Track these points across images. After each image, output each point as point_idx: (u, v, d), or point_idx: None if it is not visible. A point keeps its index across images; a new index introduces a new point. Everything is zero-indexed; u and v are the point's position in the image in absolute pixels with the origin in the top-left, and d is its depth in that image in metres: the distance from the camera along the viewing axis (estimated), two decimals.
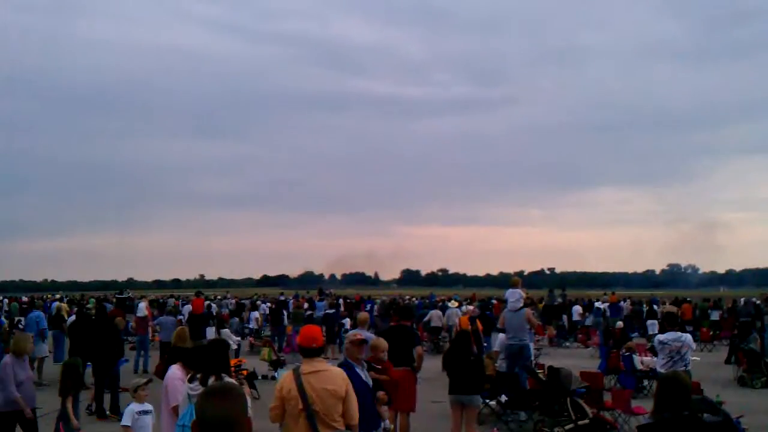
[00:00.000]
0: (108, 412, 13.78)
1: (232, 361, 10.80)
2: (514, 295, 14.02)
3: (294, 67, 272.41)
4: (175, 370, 7.12)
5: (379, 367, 9.30)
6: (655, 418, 4.70)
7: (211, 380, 5.81)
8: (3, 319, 24.46)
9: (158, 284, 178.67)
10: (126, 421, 7.98)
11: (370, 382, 7.62)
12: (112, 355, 14.38)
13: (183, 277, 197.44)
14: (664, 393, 4.63)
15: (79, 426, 9.65)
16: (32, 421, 9.24)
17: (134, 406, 8.07)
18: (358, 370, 7.41)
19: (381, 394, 8.45)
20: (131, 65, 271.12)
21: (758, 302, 37.15)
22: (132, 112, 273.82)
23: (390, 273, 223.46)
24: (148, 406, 8.09)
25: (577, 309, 33.59)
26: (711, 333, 28.73)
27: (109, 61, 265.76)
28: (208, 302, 35.89)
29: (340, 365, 7.75)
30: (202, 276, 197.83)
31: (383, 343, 9.44)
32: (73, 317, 21.87)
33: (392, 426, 10.68)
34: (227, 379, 5.87)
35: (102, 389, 13.85)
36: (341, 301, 41.63)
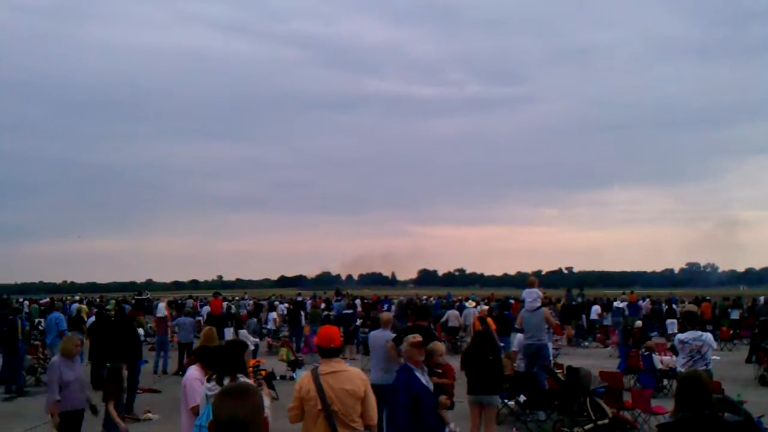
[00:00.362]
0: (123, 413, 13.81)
1: (251, 362, 10.82)
2: (531, 295, 13.97)
3: (306, 68, 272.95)
4: (194, 371, 7.13)
5: (440, 371, 9.19)
6: (676, 417, 4.66)
7: (227, 381, 5.82)
8: (25, 321, 24.64)
9: (177, 285, 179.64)
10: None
11: (431, 386, 7.51)
12: (131, 356, 14.45)
13: (201, 278, 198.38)
14: (685, 392, 4.61)
15: (126, 428, 9.60)
16: (77, 423, 9.20)
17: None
18: (418, 374, 7.37)
19: (443, 398, 8.36)
20: (138, 67, 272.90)
21: None
22: (145, 115, 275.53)
23: (407, 273, 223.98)
24: None
25: (596, 309, 33.43)
26: (731, 332, 28.51)
27: (114, 63, 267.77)
28: (226, 303, 36.05)
29: (400, 369, 7.73)
30: (220, 277, 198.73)
31: (441, 346, 9.32)
32: (93, 318, 22.02)
33: (458, 430, 10.69)
34: (243, 379, 5.87)
35: (129, 391, 13.89)
36: (358, 301, 41.66)
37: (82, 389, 9.24)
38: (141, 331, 16.66)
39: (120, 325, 15.39)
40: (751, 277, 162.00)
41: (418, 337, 7.89)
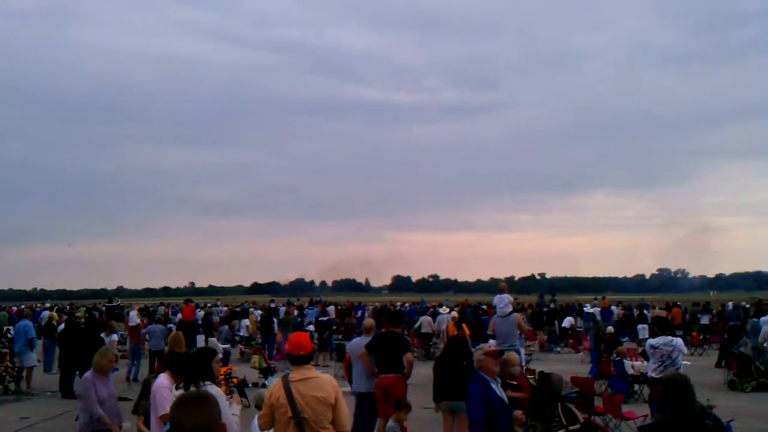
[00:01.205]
0: None
1: (222, 369, 10.75)
2: (503, 301, 14.03)
3: (287, 73, 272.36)
4: (163, 379, 7.08)
5: (514, 383, 8.60)
6: (657, 418, 4.70)
7: (192, 388, 5.78)
8: None
9: (148, 292, 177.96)
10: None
11: (506, 399, 7.12)
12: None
13: (173, 285, 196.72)
14: (668, 394, 4.61)
15: None
16: None
17: None
18: (493, 386, 6.99)
19: (518, 413, 7.83)
20: (124, 72, 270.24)
21: (748, 306, 37.32)
22: (123, 119, 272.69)
23: (381, 279, 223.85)
24: None
25: (569, 320, 33.52)
26: (701, 337, 28.82)
27: (102, 68, 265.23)
28: (204, 310, 35.82)
29: (472, 380, 7.25)
30: (192, 284, 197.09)
31: (514, 356, 8.83)
32: (63, 326, 21.78)
33: None
34: (209, 386, 5.84)
35: None
36: (332, 308, 41.55)
37: (116, 407, 8.74)
38: (115, 336, 16.47)
39: (89, 333, 15.24)
40: (721, 282, 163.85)
41: (493, 347, 7.53)
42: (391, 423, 9.24)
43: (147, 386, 9.86)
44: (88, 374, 8.67)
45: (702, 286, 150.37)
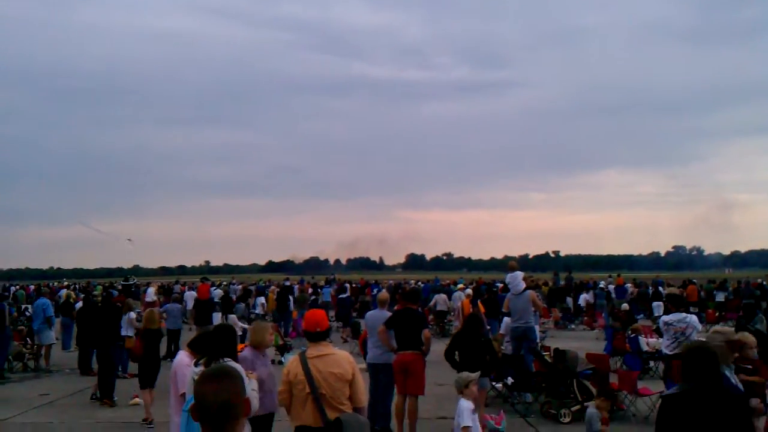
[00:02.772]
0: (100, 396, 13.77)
1: (239, 347, 10.85)
2: (516, 278, 14.01)
3: (293, 52, 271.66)
4: (183, 357, 7.14)
5: (749, 366, 7.95)
6: (681, 387, 4.65)
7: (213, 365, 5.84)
8: (12, 307, 24.53)
9: (164, 271, 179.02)
10: (466, 420, 7.48)
11: (741, 387, 6.57)
12: (116, 341, 14.47)
13: (188, 264, 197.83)
14: (691, 363, 4.58)
15: None
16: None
17: (467, 404, 7.65)
18: (727, 373, 6.40)
19: (756, 402, 7.26)
20: (130, 52, 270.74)
21: (764, 283, 37.15)
22: (133, 100, 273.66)
23: (395, 258, 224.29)
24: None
25: (585, 297, 33.50)
26: (717, 314, 28.74)
27: (107, 48, 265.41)
28: (222, 288, 35.99)
29: None
30: (207, 262, 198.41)
31: (751, 338, 8.49)
32: (80, 304, 21.96)
33: None
34: (228, 362, 5.89)
35: (106, 375, 13.87)
36: (347, 285, 41.69)
37: (274, 384, 7.64)
38: (132, 314, 16.59)
39: (106, 311, 15.36)
40: (736, 260, 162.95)
41: (733, 333, 7.22)
42: (592, 410, 9.17)
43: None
44: (246, 351, 7.67)
45: (717, 263, 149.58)
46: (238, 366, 5.90)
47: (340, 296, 30.11)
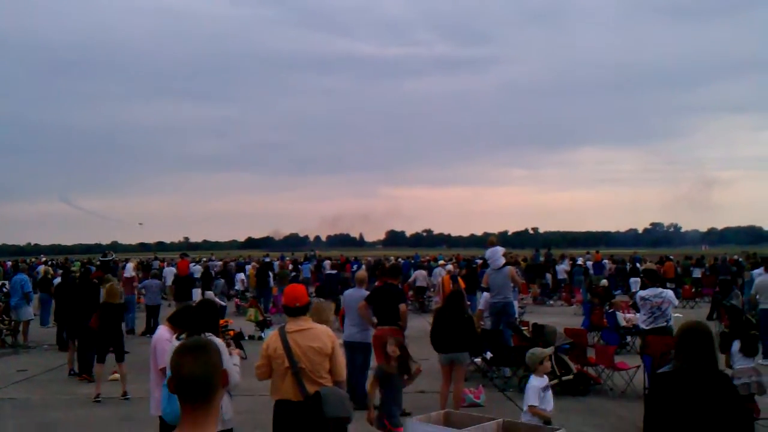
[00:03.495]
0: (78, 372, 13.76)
1: (219, 322, 10.83)
2: (495, 254, 14.05)
3: (276, 28, 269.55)
4: (163, 331, 7.11)
5: None
6: (674, 366, 4.67)
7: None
8: None
9: (143, 247, 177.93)
10: (532, 399, 7.25)
11: None
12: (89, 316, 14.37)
13: (167, 240, 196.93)
14: (684, 343, 4.59)
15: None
16: None
17: (537, 382, 7.36)
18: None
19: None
20: (114, 26, 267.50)
21: (740, 260, 37.59)
22: (113, 74, 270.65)
23: (375, 234, 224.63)
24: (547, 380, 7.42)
25: (563, 267, 33.82)
26: (693, 290, 29.07)
27: (91, 22, 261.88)
28: (201, 264, 35.91)
29: None
30: (186, 239, 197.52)
31: None
32: (58, 279, 21.83)
33: None
34: (210, 338, 5.89)
35: (84, 350, 13.84)
36: (328, 262, 41.71)
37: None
38: None
39: (84, 287, 15.26)
40: (713, 237, 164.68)
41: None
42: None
43: None
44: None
45: (694, 240, 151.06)
46: (217, 340, 5.91)
47: (328, 272, 30.12)
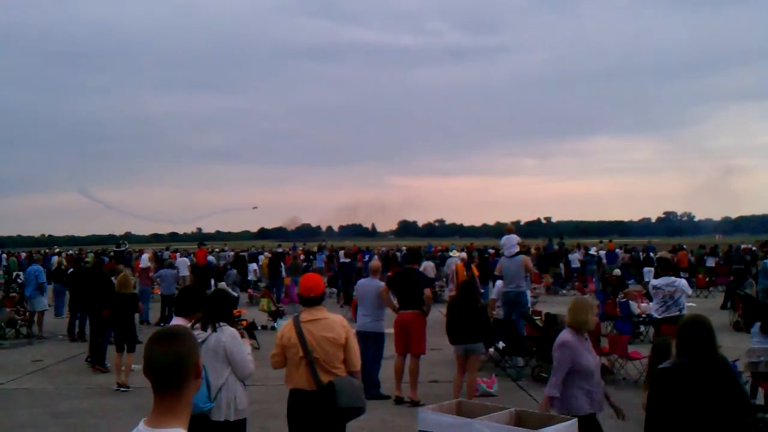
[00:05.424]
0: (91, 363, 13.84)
1: (233, 312, 10.86)
2: (510, 241, 13.99)
3: (285, 16, 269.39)
4: (178, 322, 7.12)
5: None
6: (676, 361, 4.63)
7: (209, 329, 5.85)
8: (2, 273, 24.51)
9: (156, 238, 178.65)
10: None
11: None
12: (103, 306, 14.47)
13: (180, 231, 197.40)
14: (686, 337, 4.56)
15: None
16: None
17: None
18: None
19: None
20: (123, 17, 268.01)
21: (754, 249, 37.36)
22: (127, 66, 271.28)
23: (387, 224, 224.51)
24: None
25: (576, 256, 33.72)
26: (707, 279, 28.92)
27: (100, 13, 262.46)
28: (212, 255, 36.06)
29: None
30: (199, 229, 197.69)
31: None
32: (72, 270, 21.96)
33: None
34: (223, 327, 5.91)
35: (97, 341, 13.93)
36: (340, 252, 41.74)
37: (600, 384, 6.53)
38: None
39: (96, 277, 15.34)
40: (727, 226, 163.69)
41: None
42: None
43: None
44: (567, 335, 6.29)
45: (708, 229, 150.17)
46: (231, 329, 5.92)
47: (342, 260, 30.12)
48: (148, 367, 2.53)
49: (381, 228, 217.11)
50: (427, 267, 27.22)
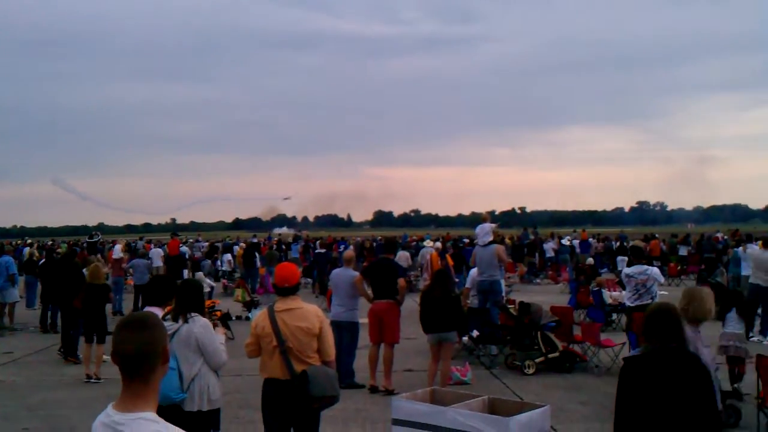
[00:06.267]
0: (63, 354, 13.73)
1: (206, 303, 10.82)
2: (484, 230, 14.06)
3: (261, 5, 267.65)
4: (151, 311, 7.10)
5: None
6: (643, 349, 4.67)
7: (181, 320, 5.83)
8: None
9: (129, 228, 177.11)
10: None
11: None
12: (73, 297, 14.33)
13: (154, 221, 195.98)
14: (653, 325, 4.59)
15: None
16: None
17: None
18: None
19: None
20: (93, 5, 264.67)
21: (725, 238, 37.84)
22: (99, 54, 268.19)
23: (362, 214, 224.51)
24: None
25: (550, 245, 33.95)
26: (679, 268, 29.24)
27: (70, 1, 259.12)
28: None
29: None
30: (173, 220, 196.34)
31: None
32: (43, 261, 21.77)
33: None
34: (195, 317, 5.88)
35: (69, 332, 13.81)
36: (316, 243, 41.69)
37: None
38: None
39: (67, 267, 15.19)
40: (699, 215, 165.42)
41: None
42: None
43: None
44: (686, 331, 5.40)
45: (681, 218, 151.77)
46: (203, 320, 5.90)
47: (317, 251, 30.09)
48: (116, 353, 2.55)
49: (357, 218, 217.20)
50: (401, 257, 27.31)
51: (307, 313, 5.95)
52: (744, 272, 18.07)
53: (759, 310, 14.79)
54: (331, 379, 5.85)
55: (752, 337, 13.37)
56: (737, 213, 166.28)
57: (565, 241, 34.69)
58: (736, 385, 9.44)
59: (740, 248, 19.43)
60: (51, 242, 51.78)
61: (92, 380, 11.65)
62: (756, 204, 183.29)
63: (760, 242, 16.22)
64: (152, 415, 2.52)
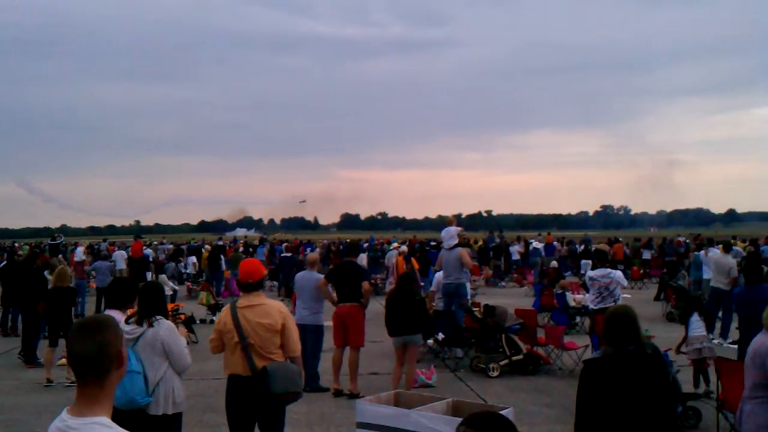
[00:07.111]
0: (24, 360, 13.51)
1: (170, 306, 10.73)
2: (449, 233, 14.12)
3: (237, 6, 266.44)
4: (113, 315, 7.02)
5: None
6: (603, 351, 4.73)
7: (145, 324, 5.78)
8: None
9: (93, 230, 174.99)
10: None
11: None
12: (39, 301, 14.14)
13: (118, 224, 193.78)
14: (612, 328, 4.65)
15: None
16: None
17: None
18: None
19: None
20: (68, 4, 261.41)
21: (687, 241, 38.36)
22: (65, 54, 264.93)
23: (329, 217, 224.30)
24: None
25: (516, 249, 34.19)
26: (641, 271, 29.59)
27: (46, 1, 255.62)
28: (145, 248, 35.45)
29: None
30: (137, 222, 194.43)
31: None
32: (4, 263, 21.43)
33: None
34: (159, 320, 5.84)
35: (30, 336, 13.60)
36: (282, 246, 41.53)
37: None
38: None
39: (29, 270, 14.99)
40: (662, 219, 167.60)
41: None
42: None
43: None
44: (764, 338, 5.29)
45: (644, 222, 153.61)
46: (167, 322, 5.86)
47: (283, 255, 29.95)
48: (71, 356, 2.53)
49: (324, 221, 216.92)
50: (362, 259, 27.32)
51: (269, 309, 5.98)
52: (705, 276, 18.33)
53: (719, 313, 15.03)
54: (293, 375, 5.86)
55: (712, 339, 13.57)
56: (700, 217, 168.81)
57: (537, 244, 34.89)
58: (706, 387, 9.62)
59: (701, 252, 19.70)
60: (12, 244, 50.98)
61: (52, 384, 11.48)
62: (718, 208, 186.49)
63: (720, 246, 16.52)
64: (106, 420, 2.50)
